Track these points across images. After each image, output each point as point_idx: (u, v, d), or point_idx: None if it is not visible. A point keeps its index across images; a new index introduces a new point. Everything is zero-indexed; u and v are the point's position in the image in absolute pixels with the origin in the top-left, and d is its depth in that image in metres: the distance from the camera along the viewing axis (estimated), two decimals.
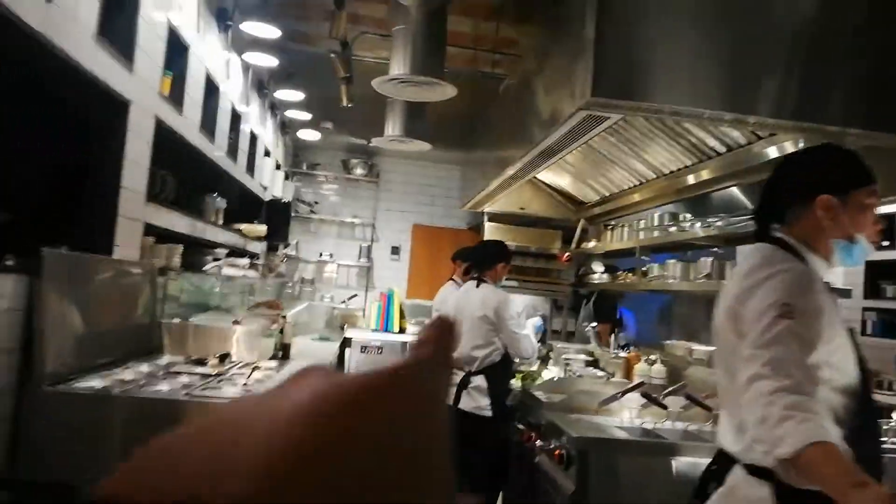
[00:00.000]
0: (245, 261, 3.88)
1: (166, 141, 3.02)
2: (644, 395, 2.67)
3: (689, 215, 3.97)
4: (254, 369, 2.54)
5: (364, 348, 6.68)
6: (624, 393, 2.94)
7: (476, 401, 3.51)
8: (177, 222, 3.24)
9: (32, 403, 1.88)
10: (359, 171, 7.44)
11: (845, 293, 2.80)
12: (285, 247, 6.49)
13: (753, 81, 2.47)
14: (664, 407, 2.68)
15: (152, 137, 2.81)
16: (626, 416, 2.90)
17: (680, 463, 2.48)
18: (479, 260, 3.81)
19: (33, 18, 1.77)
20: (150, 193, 2.85)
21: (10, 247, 1.92)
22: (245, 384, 2.23)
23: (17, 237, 1.98)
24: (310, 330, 6.39)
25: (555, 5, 3.10)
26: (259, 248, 5.76)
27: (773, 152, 3.13)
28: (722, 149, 3.33)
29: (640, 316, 6.85)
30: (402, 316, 6.97)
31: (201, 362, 2.66)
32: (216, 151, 3.86)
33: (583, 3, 2.49)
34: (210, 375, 2.40)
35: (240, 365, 2.78)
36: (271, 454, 0.18)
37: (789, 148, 3.03)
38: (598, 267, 5.53)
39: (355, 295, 7.42)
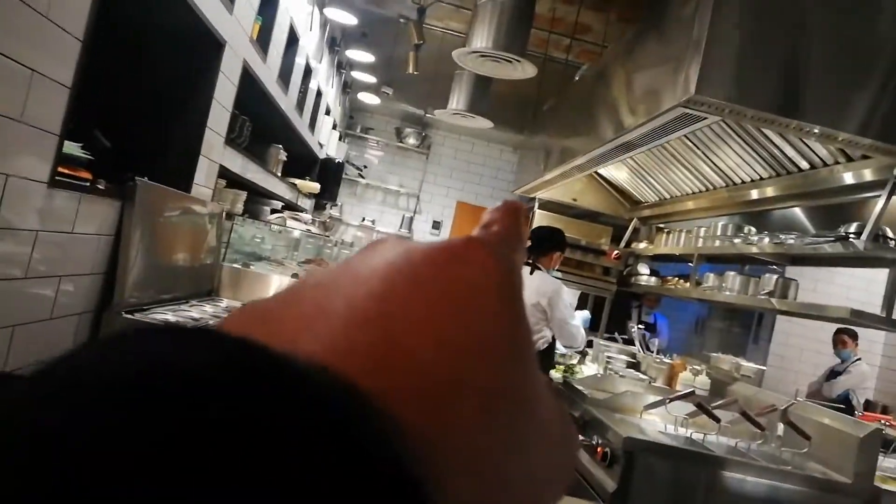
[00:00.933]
0: (308, 216, 3.89)
1: (247, 86, 3.02)
2: (698, 405, 2.63)
3: (753, 228, 3.88)
4: None
5: None
6: (672, 399, 2.90)
7: None
8: (247, 169, 3.25)
9: (110, 329, 1.90)
10: (411, 140, 7.41)
11: None
12: (332, 207, 6.51)
13: (852, 97, 2.38)
14: (717, 420, 2.63)
15: (238, 81, 2.80)
16: (671, 423, 2.87)
17: (725, 478, 2.45)
18: (535, 245, 3.75)
19: None
20: (229, 137, 2.85)
21: (104, 172, 1.93)
22: None
23: (111, 163, 1.99)
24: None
25: (659, 1, 3.01)
26: (307, 204, 5.78)
27: (849, 178, 3.03)
28: (804, 165, 3.23)
29: (673, 324, 6.78)
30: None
31: None
32: (287, 103, 3.85)
33: (695, 1, 2.42)
34: None
35: None
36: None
37: (868, 175, 2.94)
38: (643, 269, 5.45)
39: None
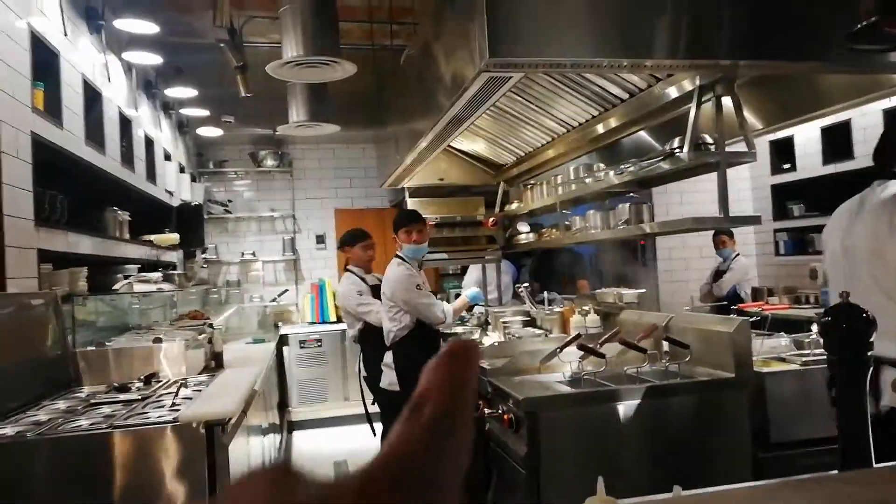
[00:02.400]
0: (157, 274, 3.68)
1: (49, 158, 2.79)
2: (580, 346, 2.71)
3: (601, 165, 4.03)
4: (181, 386, 2.41)
5: (303, 343, 6.55)
6: (562, 348, 2.97)
7: (388, 377, 3.54)
8: (76, 243, 3.02)
9: None
10: (269, 162, 7.20)
11: (755, 220, 2.91)
12: (203, 252, 6.22)
13: (646, 25, 2.48)
14: (601, 356, 2.72)
15: (31, 156, 2.58)
16: (568, 370, 2.94)
17: (623, 406, 2.54)
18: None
19: None
20: (40, 217, 2.63)
21: None
22: (174, 403, 2.11)
23: None
24: (243, 334, 6.20)
25: None
26: (175, 257, 5.49)
27: (672, 92, 3.19)
28: (625, 95, 3.37)
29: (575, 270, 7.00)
30: (336, 305, 6.87)
31: (125, 388, 2.51)
32: (109, 162, 3.62)
33: None
34: (134, 401, 2.26)
35: (167, 384, 2.64)
36: None
37: (687, 87, 3.10)
38: (523, 227, 5.57)
39: (286, 290, 7.24)
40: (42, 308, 2.50)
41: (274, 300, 7.11)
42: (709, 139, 2.85)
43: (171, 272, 4.35)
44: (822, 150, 5.78)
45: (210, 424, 1.86)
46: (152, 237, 4.57)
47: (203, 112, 5.40)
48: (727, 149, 2.81)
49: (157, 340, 2.86)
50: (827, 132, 5.68)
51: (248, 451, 2.38)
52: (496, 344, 3.63)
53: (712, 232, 5.83)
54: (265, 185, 7.35)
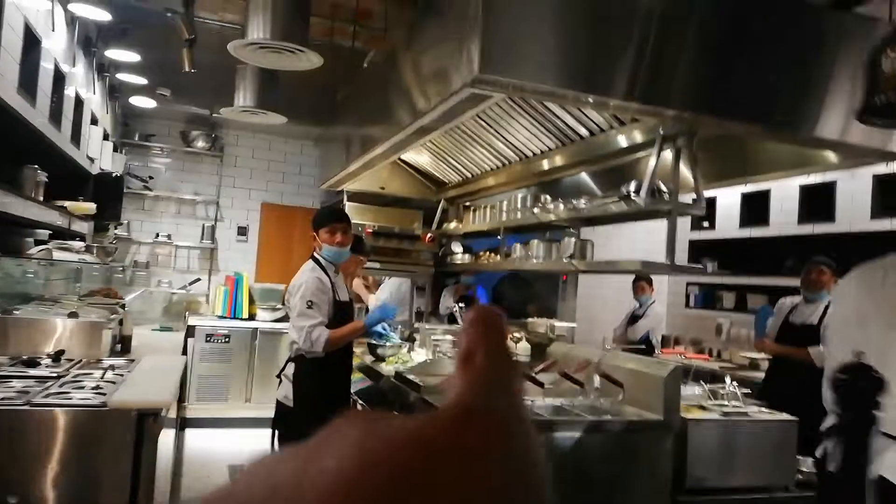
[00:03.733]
0: (80, 244, 3.39)
1: None
2: (526, 375, 2.71)
3: (548, 197, 4.11)
4: (107, 369, 2.20)
5: (209, 337, 6.22)
6: None
7: (285, 389, 3.10)
8: None
9: None
10: (200, 143, 6.86)
11: (699, 270, 3.04)
12: (116, 227, 5.82)
13: (616, 65, 2.55)
14: (541, 384, 2.74)
15: None
16: None
17: (558, 438, 2.56)
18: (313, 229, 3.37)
19: None
20: None
21: None
22: (97, 387, 1.92)
23: None
24: (146, 319, 5.84)
25: None
26: (85, 227, 5.10)
27: (623, 141, 3.31)
28: (584, 132, 3.46)
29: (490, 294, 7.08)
30: (251, 301, 6.58)
31: (32, 363, 2.27)
32: (37, 117, 3.32)
33: None
34: (48, 378, 2.04)
35: (79, 364, 2.41)
36: None
37: (638, 137, 3.23)
38: (457, 248, 5.58)
39: (198, 279, 6.89)
40: None
41: (184, 288, 6.74)
42: (663, 187, 2.96)
43: (88, 245, 4.03)
44: (739, 214, 6.16)
45: (143, 413, 1.71)
46: (67, 203, 4.23)
47: (140, 80, 5.08)
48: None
49: (73, 315, 2.61)
50: (747, 198, 6.07)
51: (168, 445, 2.21)
52: (427, 361, 3.58)
53: (632, 277, 6.07)
54: (191, 167, 7.00)
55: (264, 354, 6.00)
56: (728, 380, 3.59)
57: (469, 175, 5.05)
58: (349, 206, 5.69)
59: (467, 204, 5.48)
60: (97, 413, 1.67)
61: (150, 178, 6.73)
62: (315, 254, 3.25)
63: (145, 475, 1.65)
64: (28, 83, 3.13)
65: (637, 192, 2.93)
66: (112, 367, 2.27)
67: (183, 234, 6.91)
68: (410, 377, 3.19)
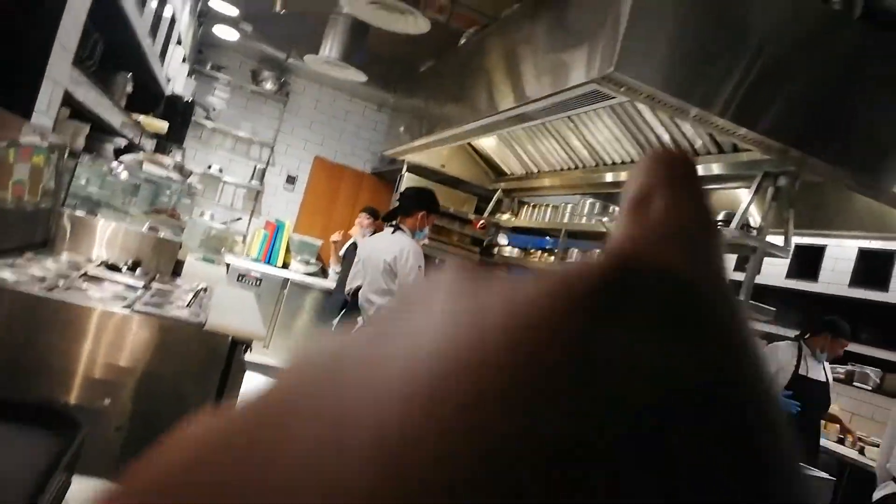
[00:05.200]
0: (170, 160, 3.39)
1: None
2: None
3: (617, 208, 4.07)
4: (200, 291, 2.20)
5: (241, 277, 6.23)
6: None
7: None
8: (94, 97, 2.73)
9: None
10: (268, 85, 6.85)
11: (769, 312, 3.00)
12: (176, 150, 5.83)
13: (741, 89, 2.50)
14: None
15: None
16: None
17: None
18: (402, 205, 3.56)
19: None
20: (79, 56, 2.35)
21: None
22: (189, 305, 1.92)
23: None
24: (188, 248, 5.85)
25: None
26: (149, 145, 5.11)
27: (714, 168, 3.26)
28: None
29: None
30: (287, 250, 6.60)
31: (115, 268, 2.28)
32: (142, 25, 3.31)
33: None
34: (136, 287, 2.04)
35: (156, 278, 2.42)
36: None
37: (723, 169, 3.18)
38: (503, 240, 5.56)
39: (240, 218, 6.91)
40: (50, 154, 2.24)
41: (225, 223, 6.76)
42: (752, 222, 2.91)
43: (171, 161, 4.03)
44: (788, 264, 6.08)
45: (236, 341, 1.70)
46: (141, 117, 4.24)
47: (231, 10, 5.06)
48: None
49: (153, 230, 2.62)
50: (800, 249, 5.98)
51: None
52: None
53: None
54: (253, 106, 7.00)
55: (291, 305, 6.01)
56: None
57: (534, 170, 5.01)
58: (407, 178, 5.67)
59: (524, 199, 5.44)
60: (196, 331, 1.66)
61: (214, 109, 6.73)
62: (403, 226, 3.35)
63: (228, 398, 1.65)
64: None
65: (726, 222, 2.89)
66: (202, 290, 2.27)
67: (233, 170, 6.93)
68: None
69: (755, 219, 2.98)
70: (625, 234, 0.14)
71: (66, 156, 2.39)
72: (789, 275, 6.04)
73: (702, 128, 2.88)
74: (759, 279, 6.14)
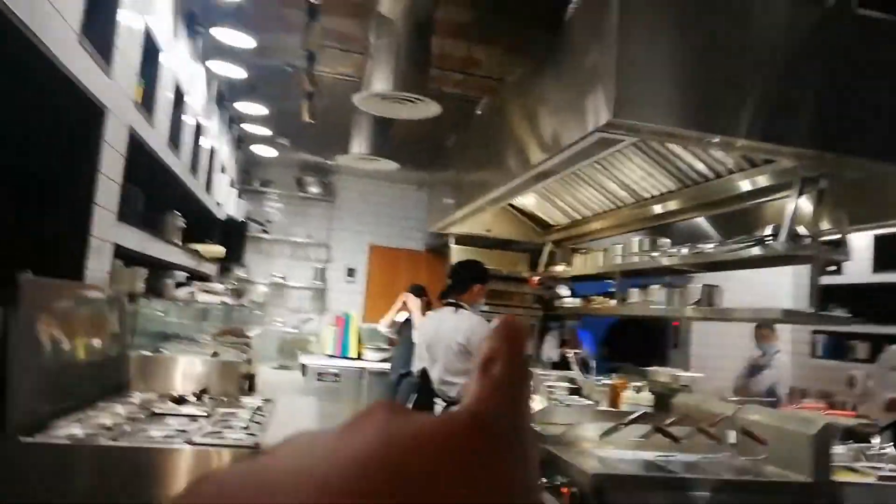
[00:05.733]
0: (220, 285, 3.59)
1: (136, 154, 2.75)
2: (657, 429, 2.58)
3: (666, 240, 3.97)
4: (254, 409, 2.29)
5: (321, 375, 6.38)
6: (627, 424, 2.84)
7: None
8: (146, 244, 2.95)
9: (4, 458, 1.59)
10: (313, 189, 7.18)
11: (844, 320, 2.82)
12: (239, 268, 6.15)
13: (764, 106, 2.45)
14: (676, 440, 2.59)
15: (126, 150, 2.54)
16: (628, 449, 2.80)
17: (696, 498, 2.40)
18: (455, 282, 3.65)
19: (22, 10, 1.52)
20: (121, 212, 2.57)
21: None
22: (247, 427, 1.99)
23: None
24: (262, 358, 6.06)
25: (550, 31, 3.03)
26: (211, 269, 5.41)
27: (748, 185, 3.17)
28: (709, 174, 3.33)
29: (596, 339, 6.88)
30: (359, 341, 6.73)
31: (181, 400, 2.40)
32: (181, 167, 3.58)
33: (597, 27, 2.43)
34: (199, 416, 2.14)
35: (221, 402, 2.52)
36: None
37: (761, 182, 3.08)
38: (564, 291, 5.49)
39: (310, 319, 7.12)
40: (110, 305, 2.42)
41: (296, 327, 6.99)
42: (804, 230, 2.78)
43: (222, 286, 4.27)
44: (872, 257, 5.72)
45: None
46: (199, 246, 4.50)
47: (264, 131, 5.40)
48: None
49: (215, 355, 2.75)
50: (880, 240, 5.63)
51: None
52: (543, 409, 3.49)
53: (754, 324, 5.72)
54: (303, 210, 7.33)
55: (374, 392, 6.08)
56: (878, 439, 3.29)
57: (577, 217, 4.99)
58: (455, 250, 5.75)
59: (574, 246, 5.40)
60: (241, 452, 1.72)
61: (269, 221, 7.09)
62: (462, 301, 3.43)
63: None
64: (175, 136, 3.40)
65: (774, 236, 2.78)
66: (257, 408, 2.35)
67: (296, 275, 7.21)
68: (533, 426, 3.12)
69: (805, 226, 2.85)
70: (476, 393, 0.21)
71: (125, 303, 2.56)
72: (876, 269, 5.68)
73: (728, 151, 2.83)
74: (842, 279, 5.80)
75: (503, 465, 0.19)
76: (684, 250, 3.45)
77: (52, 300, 1.87)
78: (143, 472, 1.64)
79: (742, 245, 2.93)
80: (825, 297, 6.43)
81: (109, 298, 2.41)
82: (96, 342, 2.24)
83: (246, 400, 2.63)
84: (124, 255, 2.82)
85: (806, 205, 3.03)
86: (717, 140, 2.41)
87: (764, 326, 5.58)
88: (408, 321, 5.42)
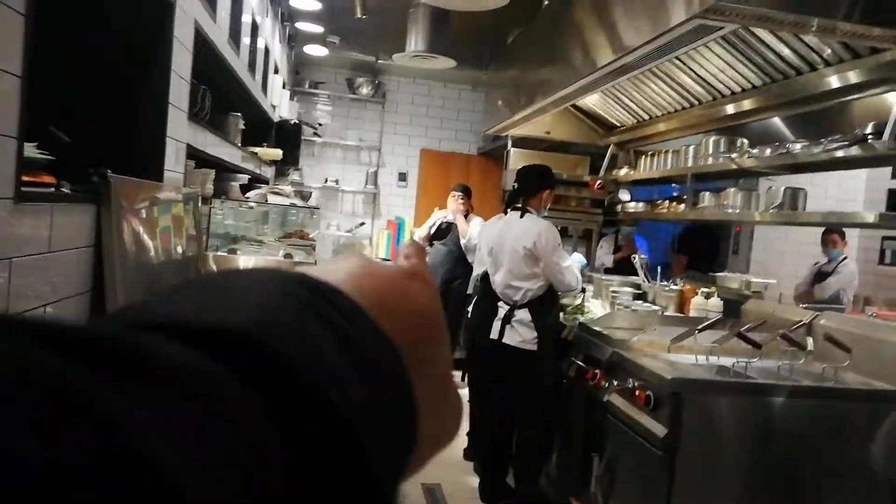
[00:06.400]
0: (289, 188, 3.58)
1: (201, 51, 2.67)
2: (738, 334, 2.52)
3: (745, 141, 3.75)
4: None
5: None
6: (702, 329, 2.80)
7: (521, 335, 3.33)
8: (214, 145, 2.92)
9: None
10: (364, 90, 7.02)
11: None
12: (294, 171, 6.14)
13: None
14: (758, 346, 2.54)
15: (192, 47, 2.45)
16: (701, 355, 2.77)
17: (776, 404, 2.37)
18: (523, 187, 3.56)
19: None
20: (192, 111, 2.52)
21: (66, 172, 1.62)
22: None
23: (72, 160, 1.68)
24: (319, 261, 6.14)
25: None
26: (269, 172, 5.42)
27: (835, 81, 2.91)
28: (803, 66, 3.07)
29: (652, 245, 6.75)
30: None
31: None
32: (241, 66, 3.49)
33: None
34: None
35: None
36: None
37: (853, 78, 2.83)
38: (625, 195, 5.33)
39: (363, 223, 7.16)
40: (187, 206, 2.42)
41: (350, 231, 7.04)
42: None
43: (290, 188, 4.26)
44: None
45: None
46: (257, 149, 4.48)
47: (317, 28, 5.21)
48: None
49: (288, 256, 2.77)
50: None
51: None
52: (610, 313, 3.47)
53: (821, 229, 5.50)
54: (355, 113, 7.20)
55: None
56: None
57: (644, 117, 4.75)
58: (514, 153, 5.59)
59: (639, 149, 5.18)
60: None
61: (320, 124, 7.00)
62: (529, 206, 3.38)
63: None
64: (235, 34, 3.29)
65: (876, 135, 2.58)
66: None
67: (348, 179, 7.19)
68: (598, 329, 3.10)
69: None
70: (416, 262, 0.32)
71: (199, 203, 2.56)
72: None
73: (829, 37, 2.58)
74: None
75: (431, 290, 0.29)
76: (768, 151, 3.25)
77: (137, 199, 1.86)
78: None
79: (838, 145, 2.73)
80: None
81: (186, 199, 2.41)
82: (178, 242, 2.26)
83: None
84: (193, 157, 2.80)
85: None
86: (815, 24, 2.18)
87: (833, 232, 5.36)
88: (450, 225, 5.37)
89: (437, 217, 5.43)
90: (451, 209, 5.29)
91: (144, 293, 1.96)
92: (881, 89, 2.83)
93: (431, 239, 5.39)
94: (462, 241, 5.24)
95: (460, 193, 5.30)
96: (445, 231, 5.41)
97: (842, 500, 2.35)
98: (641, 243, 6.24)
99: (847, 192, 6.28)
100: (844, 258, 5.46)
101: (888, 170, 6.02)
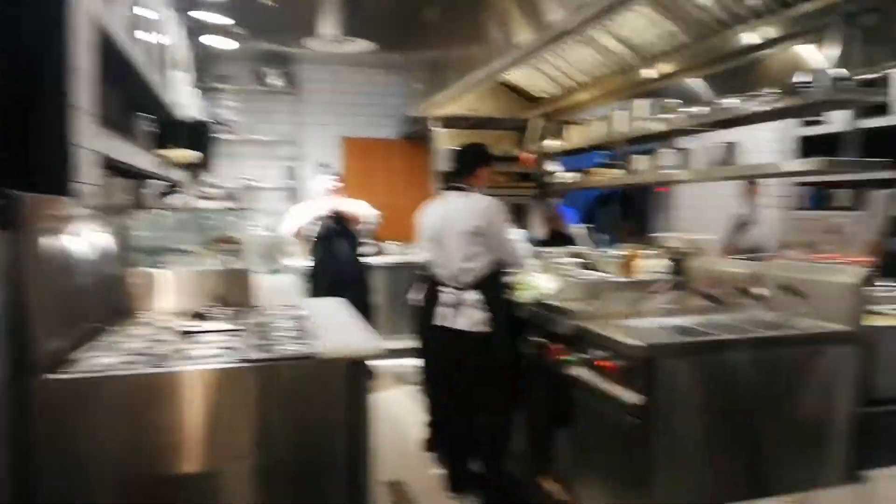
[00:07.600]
0: (217, 190, 3.31)
1: (99, 46, 2.38)
2: (705, 295, 2.52)
3: (678, 101, 3.77)
4: (293, 318, 2.12)
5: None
6: (661, 291, 2.79)
7: (472, 317, 3.21)
8: (125, 151, 2.64)
9: (32, 399, 1.41)
10: (275, 82, 6.68)
11: (879, 165, 2.73)
12: (210, 173, 5.77)
13: None
14: (720, 301, 2.54)
15: (92, 37, 2.17)
16: (659, 317, 2.76)
17: (743, 358, 2.39)
18: (461, 166, 3.45)
19: None
20: (100, 116, 2.24)
21: None
22: (297, 336, 1.83)
23: None
24: (252, 264, 5.83)
25: None
26: (180, 175, 5.05)
27: (754, 38, 2.97)
28: (728, 20, 3.08)
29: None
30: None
31: (203, 315, 2.21)
32: (143, 61, 3.18)
33: None
34: (235, 331, 1.97)
35: (244, 313, 2.35)
36: None
37: (771, 33, 2.88)
38: (555, 166, 5.32)
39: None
40: (107, 221, 2.16)
41: (274, 230, 6.72)
42: (845, 72, 2.61)
43: (221, 191, 3.96)
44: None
45: (354, 362, 1.61)
46: (171, 152, 4.14)
47: (225, 20, 4.87)
48: None
49: (225, 264, 2.54)
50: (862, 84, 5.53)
51: None
52: (562, 287, 3.42)
53: (735, 183, 5.68)
54: (268, 107, 6.86)
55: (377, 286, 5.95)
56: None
57: (570, 84, 4.71)
58: (440, 133, 5.47)
59: (565, 119, 5.17)
60: (311, 363, 1.57)
61: (233, 121, 6.63)
62: (468, 185, 3.33)
63: (361, 428, 1.57)
64: (133, 25, 2.98)
65: (807, 83, 2.62)
66: (297, 317, 2.19)
67: (268, 175, 6.86)
68: (557, 304, 3.05)
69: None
70: None
71: (117, 218, 2.30)
72: (858, 115, 5.60)
73: None
74: (828, 128, 5.72)
75: None
76: (705, 109, 3.27)
77: (51, 219, 1.61)
78: (193, 399, 1.48)
79: (776, 96, 2.76)
80: (810, 147, 6.40)
81: (104, 214, 2.15)
82: (98, 263, 2.01)
83: (266, 307, 2.46)
84: (107, 166, 2.52)
85: (814, 52, 2.87)
86: None
87: (750, 183, 5.56)
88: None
89: (311, 209, 5.17)
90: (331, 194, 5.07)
91: (72, 327, 1.71)
92: (798, 41, 2.89)
93: (330, 235, 5.15)
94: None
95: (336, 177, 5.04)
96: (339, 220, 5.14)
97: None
98: (568, 213, 6.27)
99: (759, 143, 6.52)
100: (762, 207, 5.68)
101: (793, 120, 6.30)
